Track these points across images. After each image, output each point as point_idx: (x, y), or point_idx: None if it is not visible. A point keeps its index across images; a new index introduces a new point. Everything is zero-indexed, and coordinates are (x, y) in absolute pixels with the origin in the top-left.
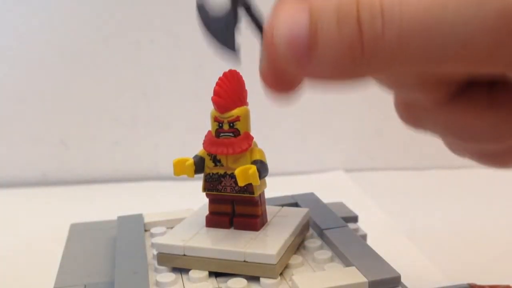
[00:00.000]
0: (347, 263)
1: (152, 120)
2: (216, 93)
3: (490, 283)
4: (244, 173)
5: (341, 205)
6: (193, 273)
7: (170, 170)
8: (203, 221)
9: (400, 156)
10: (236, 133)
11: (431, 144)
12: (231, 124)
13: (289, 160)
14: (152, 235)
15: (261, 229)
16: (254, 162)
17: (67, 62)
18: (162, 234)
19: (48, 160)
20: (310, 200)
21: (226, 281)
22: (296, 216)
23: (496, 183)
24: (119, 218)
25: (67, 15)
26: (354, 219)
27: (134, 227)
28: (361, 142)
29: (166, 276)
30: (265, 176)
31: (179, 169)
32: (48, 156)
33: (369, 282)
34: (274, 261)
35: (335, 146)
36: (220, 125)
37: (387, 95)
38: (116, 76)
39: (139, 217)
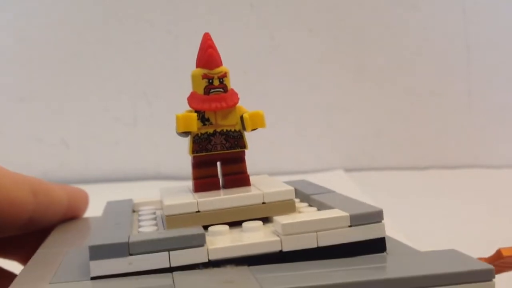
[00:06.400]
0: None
1: (152, 120)
2: (209, 46)
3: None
4: (253, 117)
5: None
6: (214, 228)
7: (170, 170)
8: (184, 190)
9: (400, 156)
10: (225, 88)
11: (431, 144)
12: (221, 80)
13: (289, 160)
14: (140, 212)
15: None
16: (243, 117)
17: (67, 62)
18: (151, 211)
19: (48, 159)
20: (301, 181)
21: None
22: (263, 177)
23: (496, 183)
24: (108, 202)
25: (67, 15)
26: None
27: (122, 207)
28: (361, 141)
29: (149, 227)
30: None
31: (185, 123)
32: (49, 156)
33: (350, 216)
34: (293, 196)
35: (335, 146)
36: (210, 81)
37: (387, 95)
38: (116, 76)
39: (129, 201)
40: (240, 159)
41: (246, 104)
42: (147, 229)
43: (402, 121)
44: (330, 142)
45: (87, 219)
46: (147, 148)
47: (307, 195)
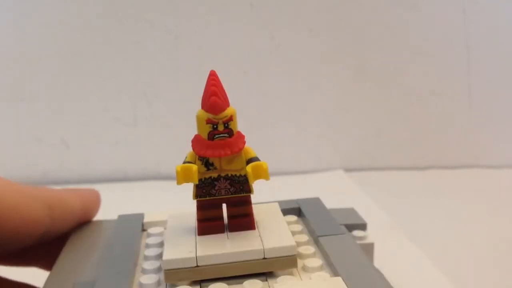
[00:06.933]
0: (335, 273)
1: (152, 119)
2: (213, 93)
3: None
4: (256, 170)
5: (350, 211)
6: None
7: (171, 170)
8: (190, 229)
9: (400, 156)
10: (230, 133)
11: (431, 144)
12: (226, 125)
13: (288, 160)
14: (149, 235)
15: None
16: (251, 160)
17: (67, 62)
18: (159, 234)
19: (48, 159)
20: (314, 205)
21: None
22: (272, 210)
23: (496, 183)
24: (120, 216)
25: (67, 15)
26: (362, 226)
27: (131, 226)
28: (361, 141)
29: (150, 278)
30: None
31: (184, 176)
32: (49, 156)
33: None
34: (295, 252)
35: (335, 146)
36: (215, 126)
37: (387, 95)
38: (116, 76)
39: (139, 216)
40: (245, 202)
41: (246, 104)
42: (148, 279)
43: (402, 121)
44: (330, 142)
45: (100, 224)
46: (147, 148)
47: (316, 236)
